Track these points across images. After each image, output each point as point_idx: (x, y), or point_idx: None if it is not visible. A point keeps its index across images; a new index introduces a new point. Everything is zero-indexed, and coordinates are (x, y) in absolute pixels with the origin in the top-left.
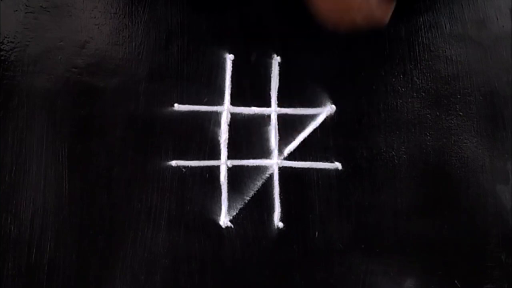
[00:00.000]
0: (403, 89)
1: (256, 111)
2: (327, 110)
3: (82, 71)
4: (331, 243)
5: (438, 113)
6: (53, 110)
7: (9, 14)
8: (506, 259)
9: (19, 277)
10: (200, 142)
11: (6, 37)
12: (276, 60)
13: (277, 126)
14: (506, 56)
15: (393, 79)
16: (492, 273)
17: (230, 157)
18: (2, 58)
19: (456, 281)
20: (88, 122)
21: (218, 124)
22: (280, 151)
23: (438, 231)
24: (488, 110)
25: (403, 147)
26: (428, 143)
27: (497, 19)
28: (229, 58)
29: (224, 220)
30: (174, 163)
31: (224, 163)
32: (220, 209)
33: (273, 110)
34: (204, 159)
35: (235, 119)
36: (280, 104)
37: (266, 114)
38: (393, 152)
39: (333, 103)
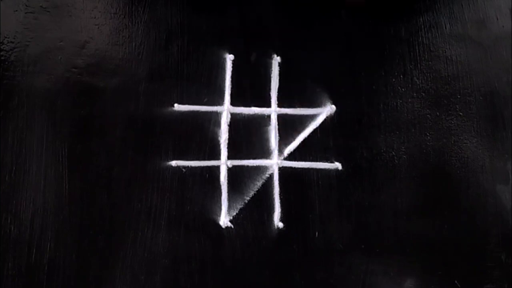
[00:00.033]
0: (403, 89)
1: (256, 111)
2: (327, 110)
3: (82, 71)
4: (331, 243)
5: (438, 113)
6: (53, 110)
7: (9, 14)
8: (506, 259)
9: (19, 277)
10: (200, 142)
11: (6, 37)
12: (276, 60)
13: (277, 126)
14: (506, 56)
15: (393, 79)
16: (492, 273)
17: (230, 157)
18: (2, 58)
19: (456, 281)
20: (88, 122)
21: (218, 124)
22: (280, 151)
23: (438, 231)
24: (488, 110)
25: (403, 147)
26: (428, 143)
27: (497, 19)
28: (229, 58)
29: (224, 220)
30: (174, 163)
31: (224, 163)
32: (220, 209)
33: (273, 110)
34: (204, 159)
35: (235, 119)
36: (280, 104)
37: (266, 114)
38: (393, 152)
39: (333, 103)
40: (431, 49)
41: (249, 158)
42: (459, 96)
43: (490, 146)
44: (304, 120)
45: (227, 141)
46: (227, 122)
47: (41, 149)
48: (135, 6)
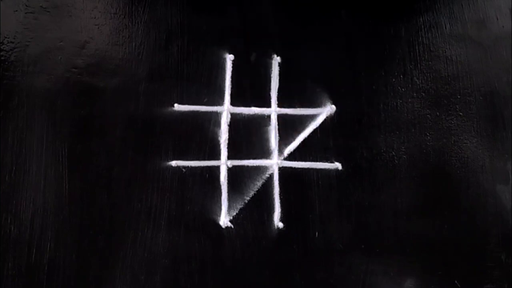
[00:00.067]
0: (403, 89)
1: (256, 111)
2: (327, 110)
3: (82, 71)
4: (331, 243)
5: (438, 113)
6: (53, 110)
7: (9, 14)
8: (506, 259)
9: (19, 277)
10: (200, 142)
11: (6, 37)
12: (276, 60)
13: (277, 126)
14: (506, 56)
15: (393, 79)
16: (492, 273)
17: (230, 157)
18: (2, 58)
19: (456, 281)
20: (88, 122)
21: (218, 124)
22: (280, 151)
23: (438, 231)
24: (488, 110)
25: (403, 147)
26: (428, 143)
27: (497, 19)
28: (229, 58)
29: (224, 220)
30: (174, 163)
31: (224, 163)
32: (220, 209)
33: (273, 110)
34: (204, 159)
35: (235, 119)
36: (280, 104)
37: (266, 114)
38: (393, 152)
39: (333, 103)
40: (431, 49)
41: (249, 158)
42: (459, 96)
43: (490, 146)
44: (304, 120)
45: (227, 141)
46: (227, 122)
47: (41, 149)
48: (135, 6)
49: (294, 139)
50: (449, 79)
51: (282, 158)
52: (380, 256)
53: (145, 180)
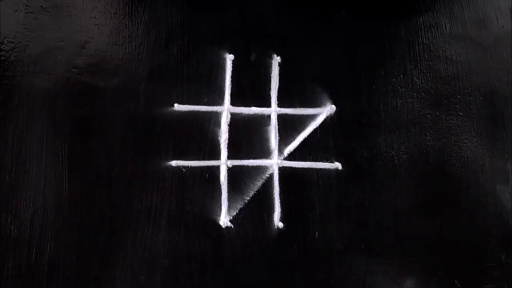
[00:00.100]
0: (403, 89)
1: (256, 111)
2: (327, 110)
3: (82, 71)
4: (331, 243)
5: (438, 113)
6: (53, 110)
7: (9, 14)
8: (506, 259)
9: (19, 277)
10: (200, 142)
11: (6, 37)
12: (276, 60)
13: (277, 126)
14: (506, 56)
15: (393, 79)
16: (492, 273)
17: (230, 157)
18: (2, 58)
19: (456, 281)
20: (88, 122)
21: (218, 124)
22: (280, 151)
23: (438, 231)
24: (488, 110)
25: (403, 147)
26: (428, 143)
27: (497, 19)
28: (229, 58)
29: (224, 220)
30: (174, 163)
31: (224, 163)
32: (220, 209)
33: (273, 110)
34: (204, 159)
35: (235, 119)
36: (280, 104)
37: (266, 114)
38: (393, 152)
39: (333, 103)
40: (431, 49)
41: (249, 158)
42: (459, 96)
43: (490, 146)
44: (304, 120)
45: (227, 141)
46: (227, 122)
47: (41, 149)
48: (135, 6)
49: (294, 139)
50: (449, 79)
51: (282, 158)
52: (380, 256)
53: (145, 180)
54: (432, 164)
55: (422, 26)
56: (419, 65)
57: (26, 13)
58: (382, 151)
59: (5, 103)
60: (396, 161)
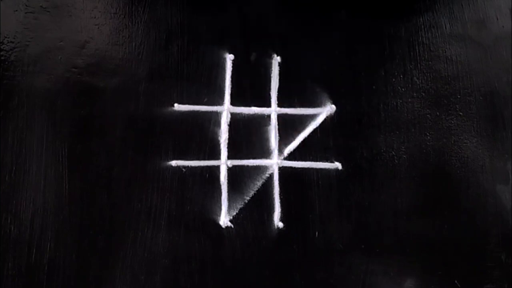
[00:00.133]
0: (403, 89)
1: (256, 111)
2: (327, 110)
3: (82, 71)
4: (331, 243)
5: (438, 113)
6: (53, 110)
7: (9, 14)
8: (506, 259)
9: (19, 277)
10: (200, 142)
11: (6, 37)
12: (276, 60)
13: (277, 126)
14: (506, 56)
15: (393, 79)
16: (492, 273)
17: (230, 157)
18: (2, 58)
19: (456, 281)
20: (88, 122)
21: (218, 124)
22: (280, 151)
23: (438, 231)
24: (488, 110)
25: (403, 147)
26: (428, 143)
27: (497, 19)
28: (229, 58)
29: (224, 220)
30: (174, 163)
31: (224, 163)
32: (220, 209)
33: (273, 110)
34: (204, 159)
35: (235, 119)
36: (280, 104)
37: (266, 114)
38: (393, 152)
39: (333, 103)
40: (431, 49)
41: (249, 158)
42: (459, 96)
43: (490, 146)
44: (304, 120)
45: (227, 141)
46: (227, 122)
47: (41, 149)
48: (135, 6)
49: (294, 139)
50: (449, 79)
51: (282, 158)
52: (380, 256)
53: (145, 180)
54: (432, 164)
55: (422, 26)
56: (419, 65)
57: (26, 13)
58: (382, 151)
59: (5, 103)
60: (396, 161)
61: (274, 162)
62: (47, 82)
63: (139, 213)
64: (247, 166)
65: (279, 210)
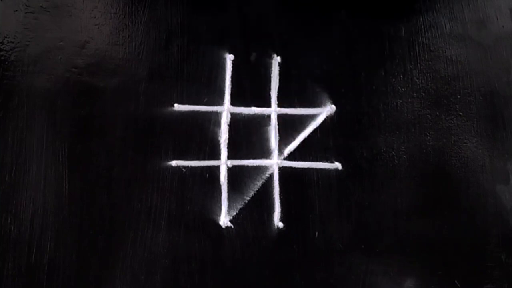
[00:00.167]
0: (403, 89)
1: (256, 111)
2: (327, 110)
3: (82, 71)
4: (331, 243)
5: (438, 113)
6: (53, 110)
7: (9, 14)
8: (506, 259)
9: (19, 277)
10: (200, 142)
11: (6, 37)
12: (276, 60)
13: (277, 126)
14: (506, 56)
15: (393, 79)
16: (492, 273)
17: (230, 157)
18: (2, 58)
19: (456, 281)
20: (88, 122)
21: (218, 124)
22: (280, 151)
23: (438, 231)
24: (488, 110)
25: (403, 147)
26: (428, 143)
27: (497, 19)
28: (229, 58)
29: (224, 220)
30: (174, 163)
31: (224, 163)
32: (220, 209)
33: (273, 110)
34: (204, 159)
35: (235, 119)
36: (280, 104)
37: (266, 114)
38: (393, 152)
39: (333, 103)
40: (431, 49)
41: (249, 158)
42: (459, 96)
43: (490, 146)
44: (304, 120)
45: (227, 141)
46: (227, 122)
47: (41, 149)
48: (135, 6)
49: (294, 139)
50: (449, 79)
51: (282, 158)
52: (380, 256)
53: (145, 180)
54: (432, 164)
55: (422, 26)
56: (419, 65)
57: (26, 13)
58: (382, 151)
59: (5, 103)
60: (396, 161)
61: (274, 162)
62: (47, 82)
63: (139, 213)
64: (247, 166)
65: (279, 210)
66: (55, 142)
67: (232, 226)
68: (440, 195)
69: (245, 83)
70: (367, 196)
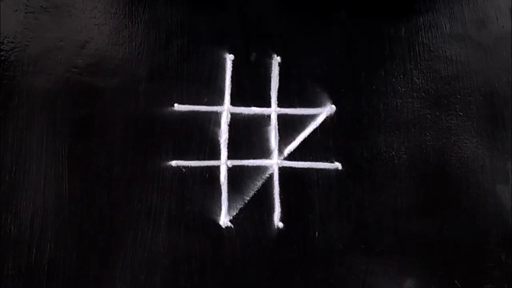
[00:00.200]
0: (403, 89)
1: (256, 111)
2: (327, 110)
3: (82, 71)
4: (331, 243)
5: (438, 113)
6: (53, 110)
7: (9, 14)
8: (506, 259)
9: (19, 277)
10: (200, 142)
11: (6, 37)
12: (276, 60)
13: (277, 126)
14: (506, 56)
15: (393, 79)
16: (492, 273)
17: (230, 157)
18: (2, 58)
19: (456, 281)
20: (88, 122)
21: (218, 124)
22: (280, 151)
23: (438, 231)
24: (488, 110)
25: (403, 147)
26: (428, 143)
27: (497, 19)
28: (229, 58)
29: (224, 220)
30: (174, 163)
31: (224, 163)
32: (220, 209)
33: (273, 110)
34: (204, 159)
35: (235, 119)
36: (280, 104)
37: (266, 114)
38: (393, 152)
39: (333, 103)
40: (431, 49)
41: (249, 158)
42: (459, 96)
43: (490, 146)
44: (304, 120)
45: (227, 141)
46: (227, 122)
47: (41, 149)
48: (135, 6)
49: (294, 139)
50: (449, 79)
51: (282, 158)
52: (380, 256)
53: (145, 180)
54: (432, 164)
55: (422, 26)
56: (419, 65)
57: (26, 13)
58: (382, 151)
59: (5, 103)
60: (396, 161)
61: (274, 162)
62: (47, 82)
63: (139, 213)
64: (247, 166)
65: (279, 210)
66: (55, 142)
67: (232, 226)
68: (440, 195)
69: (245, 83)
70: (367, 196)
